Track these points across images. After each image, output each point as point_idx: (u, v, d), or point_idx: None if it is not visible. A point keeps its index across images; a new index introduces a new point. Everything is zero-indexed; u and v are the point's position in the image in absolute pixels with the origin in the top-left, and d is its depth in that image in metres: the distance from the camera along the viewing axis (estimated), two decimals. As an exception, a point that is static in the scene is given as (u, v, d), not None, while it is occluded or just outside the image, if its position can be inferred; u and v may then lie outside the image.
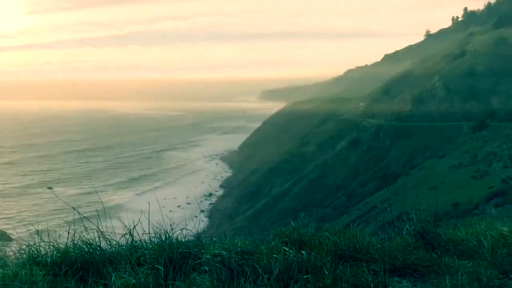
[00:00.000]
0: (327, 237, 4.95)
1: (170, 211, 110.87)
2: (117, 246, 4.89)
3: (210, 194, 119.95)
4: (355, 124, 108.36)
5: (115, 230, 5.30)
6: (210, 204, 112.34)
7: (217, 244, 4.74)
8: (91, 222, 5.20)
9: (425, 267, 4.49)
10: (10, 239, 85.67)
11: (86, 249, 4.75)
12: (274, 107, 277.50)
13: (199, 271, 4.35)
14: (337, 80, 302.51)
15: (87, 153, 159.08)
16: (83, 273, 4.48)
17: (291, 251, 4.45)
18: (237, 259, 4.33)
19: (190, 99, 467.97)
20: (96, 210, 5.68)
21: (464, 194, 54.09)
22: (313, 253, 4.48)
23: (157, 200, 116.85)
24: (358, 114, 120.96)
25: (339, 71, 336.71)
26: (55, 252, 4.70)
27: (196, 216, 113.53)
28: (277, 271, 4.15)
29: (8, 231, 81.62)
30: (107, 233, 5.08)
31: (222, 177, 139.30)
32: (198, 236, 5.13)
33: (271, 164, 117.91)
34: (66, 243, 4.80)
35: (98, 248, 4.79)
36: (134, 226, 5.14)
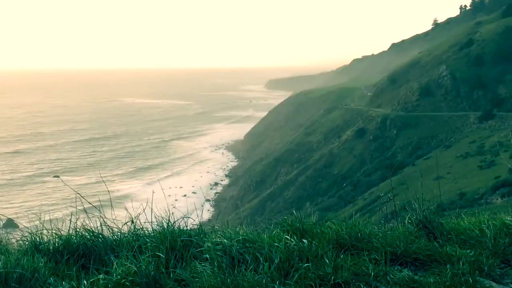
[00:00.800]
0: (329, 226, 4.95)
1: (176, 200, 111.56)
2: (119, 234, 4.90)
3: (216, 183, 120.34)
4: (361, 114, 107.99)
5: (119, 219, 5.32)
6: (216, 193, 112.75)
7: (219, 233, 4.77)
8: (96, 208, 5.21)
9: (427, 256, 4.48)
10: (17, 226, 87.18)
11: (88, 236, 4.76)
12: (280, 96, 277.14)
13: (200, 259, 4.37)
14: (343, 69, 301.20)
15: (93, 142, 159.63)
16: (85, 261, 4.50)
17: (292, 239, 4.45)
18: (238, 247, 4.35)
19: (196, 88, 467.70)
20: (99, 199, 5.70)
21: (470, 184, 53.95)
22: (314, 242, 4.49)
23: (162, 189, 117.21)
24: (364, 104, 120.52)
25: (346, 60, 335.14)
26: (57, 240, 4.72)
27: (202, 206, 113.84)
28: (278, 259, 4.16)
29: (15, 219, 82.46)
30: (110, 221, 5.08)
31: (227, 166, 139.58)
32: (200, 224, 5.11)
33: (276, 153, 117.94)
34: (69, 231, 4.81)
35: (100, 236, 4.80)
36: (138, 215, 5.16)
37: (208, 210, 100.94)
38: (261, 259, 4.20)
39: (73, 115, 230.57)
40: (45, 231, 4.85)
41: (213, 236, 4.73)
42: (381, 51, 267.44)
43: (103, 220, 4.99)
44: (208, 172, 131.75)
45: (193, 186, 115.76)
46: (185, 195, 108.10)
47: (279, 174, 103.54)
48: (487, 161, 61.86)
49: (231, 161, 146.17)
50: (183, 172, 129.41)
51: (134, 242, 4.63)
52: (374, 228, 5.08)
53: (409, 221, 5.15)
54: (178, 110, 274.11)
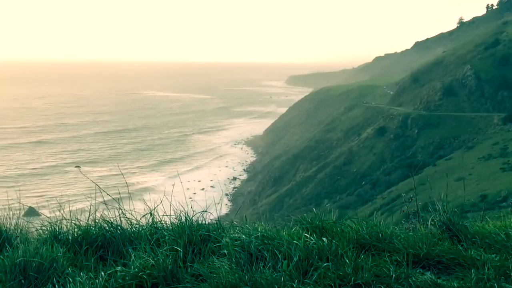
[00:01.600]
0: (349, 225, 4.84)
1: (194, 193, 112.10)
2: (137, 226, 4.87)
3: (234, 178, 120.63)
4: (382, 112, 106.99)
5: (138, 211, 5.31)
6: (234, 188, 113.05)
7: (237, 228, 4.71)
8: (115, 200, 5.17)
9: (450, 259, 4.33)
10: (38, 215, 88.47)
11: (107, 227, 4.74)
12: (300, 92, 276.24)
13: (218, 255, 4.31)
14: (365, 67, 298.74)
15: (114, 134, 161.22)
16: (103, 252, 4.49)
17: (311, 237, 4.37)
18: (256, 243, 4.27)
19: (216, 82, 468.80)
20: (118, 191, 5.69)
21: (492, 186, 53.09)
22: (334, 241, 4.38)
23: (181, 182, 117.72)
24: (385, 102, 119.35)
25: (368, 57, 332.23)
26: (76, 230, 4.71)
27: (220, 200, 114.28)
28: (297, 257, 4.07)
29: (36, 208, 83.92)
30: (129, 213, 5.05)
31: (246, 161, 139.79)
32: (218, 219, 5.05)
33: (296, 150, 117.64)
34: (88, 222, 4.79)
35: (119, 228, 4.79)
36: (155, 207, 5.10)
37: (226, 204, 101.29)
38: (279, 256, 4.11)
39: (95, 106, 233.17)
40: (64, 221, 4.84)
41: (232, 232, 4.67)
42: (404, 49, 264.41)
43: (122, 212, 4.96)
44: (226, 166, 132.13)
45: (211, 180, 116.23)
46: (203, 189, 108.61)
47: (297, 171, 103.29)
48: (510, 164, 60.77)
49: (250, 156, 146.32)
50: (202, 166, 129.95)
51: (152, 235, 4.59)
52: (396, 228, 4.92)
53: (432, 222, 5.01)
54: (198, 104, 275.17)
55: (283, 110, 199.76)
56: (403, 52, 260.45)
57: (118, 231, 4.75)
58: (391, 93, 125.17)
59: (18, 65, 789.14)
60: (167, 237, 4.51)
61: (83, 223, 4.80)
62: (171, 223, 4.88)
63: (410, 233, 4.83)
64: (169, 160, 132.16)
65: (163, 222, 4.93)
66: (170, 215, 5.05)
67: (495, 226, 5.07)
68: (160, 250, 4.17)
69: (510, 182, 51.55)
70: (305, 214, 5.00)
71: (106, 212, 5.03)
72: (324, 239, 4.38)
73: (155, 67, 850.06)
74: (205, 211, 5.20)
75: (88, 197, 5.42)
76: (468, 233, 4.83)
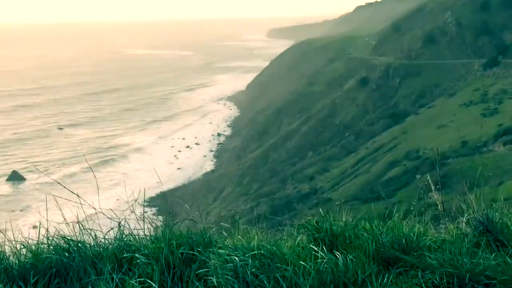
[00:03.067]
0: (364, 228, 3.97)
1: (179, 151, 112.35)
2: (103, 241, 3.90)
3: (219, 134, 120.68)
4: (364, 63, 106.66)
5: (110, 202, 4.72)
6: (219, 144, 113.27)
7: (227, 241, 3.82)
8: (78, 197, 4.21)
9: (502, 282, 3.29)
10: (24, 179, 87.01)
11: (64, 245, 3.78)
12: (281, 46, 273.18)
13: (204, 279, 3.47)
14: (346, 17, 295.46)
15: (95, 96, 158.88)
16: (59, 282, 3.58)
17: (321, 252, 3.52)
18: (253, 267, 3.39)
19: (195, 39, 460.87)
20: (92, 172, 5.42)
21: (473, 132, 53.94)
22: (350, 256, 3.48)
23: (162, 141, 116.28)
24: (367, 53, 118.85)
25: (349, 8, 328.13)
26: (23, 255, 3.72)
27: (204, 156, 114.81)
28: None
29: (21, 172, 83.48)
30: (98, 211, 4.22)
31: (230, 117, 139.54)
32: (203, 231, 4.00)
33: (279, 103, 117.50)
34: (38, 241, 3.81)
35: (80, 246, 3.81)
36: (124, 219, 4.04)
37: (212, 160, 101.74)
38: (284, 285, 3.27)
39: (74, 67, 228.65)
40: (8, 245, 3.78)
41: (221, 244, 3.78)
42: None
43: (84, 222, 3.98)
44: (210, 123, 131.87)
45: (195, 138, 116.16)
46: (188, 146, 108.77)
47: (281, 125, 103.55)
48: (491, 109, 61.59)
49: (234, 112, 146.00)
50: (186, 124, 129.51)
51: (122, 252, 3.74)
52: (422, 232, 3.89)
53: (465, 221, 4.03)
54: (179, 61, 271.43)
55: (265, 64, 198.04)
56: (384, 0, 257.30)
57: (79, 250, 3.76)
58: (373, 43, 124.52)
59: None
60: (139, 260, 3.60)
61: (32, 242, 3.79)
62: (145, 236, 3.94)
63: (441, 236, 3.92)
64: (152, 120, 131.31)
65: (134, 235, 3.97)
66: (143, 228, 4.05)
67: None
68: (131, 280, 3.36)
69: (491, 127, 52.42)
70: (310, 217, 4.11)
71: (68, 213, 4.12)
72: (338, 254, 3.50)
73: (134, 27, 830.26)
74: (188, 218, 4.41)
75: (48, 194, 4.39)
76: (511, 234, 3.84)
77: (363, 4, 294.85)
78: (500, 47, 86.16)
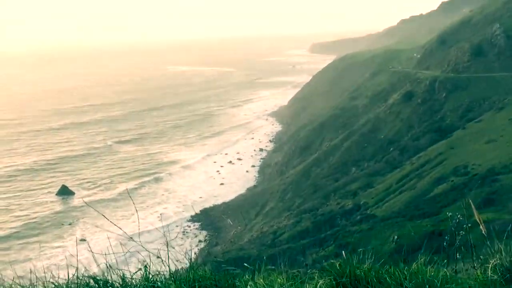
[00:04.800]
0: (388, 271, 3.86)
1: (222, 166, 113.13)
2: (130, 282, 3.87)
3: (261, 150, 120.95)
4: (409, 76, 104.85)
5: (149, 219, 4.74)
6: (261, 159, 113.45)
7: (250, 284, 3.76)
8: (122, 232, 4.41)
9: None
10: (73, 193, 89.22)
11: (93, 285, 3.75)
12: (323, 60, 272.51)
13: None
14: (390, 31, 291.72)
15: (143, 113, 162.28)
16: None
17: None
18: None
19: (239, 55, 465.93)
20: (131, 199, 5.52)
21: (524, 147, 51.90)
22: None
23: (203, 160, 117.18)
24: (412, 66, 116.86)
25: (393, 22, 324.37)
26: None
27: (247, 171, 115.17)
28: None
29: (70, 187, 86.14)
30: (130, 238, 4.25)
31: (272, 132, 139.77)
32: (226, 273, 3.94)
33: (321, 118, 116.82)
34: (68, 280, 3.80)
35: (108, 285, 3.80)
36: (149, 264, 4.00)
37: (254, 176, 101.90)
38: None
39: (121, 85, 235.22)
40: (40, 284, 3.83)
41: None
42: (430, 10, 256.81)
43: (114, 260, 3.97)
44: (253, 138, 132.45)
45: (238, 153, 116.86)
46: (230, 162, 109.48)
47: (324, 140, 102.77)
48: (543, 123, 59.16)
49: (276, 127, 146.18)
50: (228, 139, 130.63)
51: None
52: (447, 275, 3.74)
53: (491, 266, 3.86)
54: (222, 77, 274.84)
55: (307, 79, 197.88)
56: (429, 13, 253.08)
57: None
58: (418, 56, 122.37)
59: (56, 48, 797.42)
60: None
61: (63, 282, 3.82)
62: (170, 275, 3.90)
63: (468, 282, 3.74)
64: (195, 136, 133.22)
65: (161, 273, 3.95)
66: (168, 267, 4.00)
67: None
68: None
69: (544, 143, 50.28)
70: (333, 261, 4.02)
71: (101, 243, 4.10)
72: None
73: (179, 45, 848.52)
74: (215, 260, 4.20)
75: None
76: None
77: (407, 17, 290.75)
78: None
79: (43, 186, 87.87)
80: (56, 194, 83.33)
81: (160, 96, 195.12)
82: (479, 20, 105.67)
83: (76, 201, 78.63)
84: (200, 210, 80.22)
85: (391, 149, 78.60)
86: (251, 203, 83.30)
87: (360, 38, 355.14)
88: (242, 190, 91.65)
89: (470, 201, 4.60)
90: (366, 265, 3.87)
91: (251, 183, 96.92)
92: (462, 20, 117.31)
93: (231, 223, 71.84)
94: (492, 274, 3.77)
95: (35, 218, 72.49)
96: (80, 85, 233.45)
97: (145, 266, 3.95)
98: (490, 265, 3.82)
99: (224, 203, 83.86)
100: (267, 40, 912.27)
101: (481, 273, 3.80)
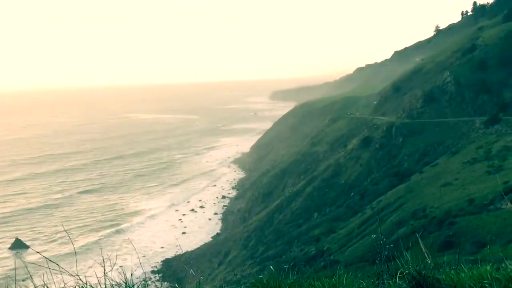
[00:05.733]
0: (311, 284, 4.35)
1: (184, 214, 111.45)
2: None
3: (224, 197, 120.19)
4: (366, 122, 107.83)
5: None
6: (224, 206, 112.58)
7: None
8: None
9: None
10: (27, 247, 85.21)
11: None
12: (284, 107, 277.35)
13: None
14: (347, 78, 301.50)
15: (105, 163, 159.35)
16: None
17: None
18: None
19: (200, 102, 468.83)
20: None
21: (479, 190, 53.52)
22: None
23: (172, 208, 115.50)
24: (368, 112, 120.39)
25: (349, 70, 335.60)
26: None
27: (209, 219, 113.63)
28: None
29: (24, 240, 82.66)
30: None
31: (235, 179, 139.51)
32: None
33: (283, 165, 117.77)
34: None
35: None
36: None
37: (216, 223, 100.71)
38: None
39: (82, 133, 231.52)
40: None
41: None
42: (384, 59, 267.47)
43: None
44: (215, 185, 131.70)
45: (200, 200, 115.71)
46: (192, 210, 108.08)
47: (286, 186, 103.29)
48: (495, 166, 61.44)
49: (238, 174, 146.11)
50: (191, 187, 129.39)
51: None
52: (363, 284, 4.39)
53: (400, 275, 4.48)
54: (184, 125, 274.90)
55: (268, 125, 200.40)
56: (383, 62, 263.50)
57: None
58: (374, 103, 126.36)
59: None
60: None
61: None
62: None
63: None
64: (156, 185, 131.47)
65: None
66: None
67: (470, 276, 4.48)
68: None
69: (496, 185, 52.07)
70: (261, 276, 4.48)
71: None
72: None
73: (137, 91, 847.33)
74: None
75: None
76: (441, 288, 4.28)
77: (363, 65, 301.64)
78: (500, 104, 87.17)
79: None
80: (9, 248, 79.81)
81: (121, 145, 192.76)
82: (430, 69, 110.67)
83: (31, 256, 75.44)
84: (161, 261, 78.25)
85: (352, 194, 79.66)
86: (214, 252, 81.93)
87: (318, 86, 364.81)
88: (204, 239, 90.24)
89: (418, 236, 5.65)
90: (290, 279, 4.33)
91: (214, 231, 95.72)
92: (415, 68, 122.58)
93: (193, 274, 70.29)
94: (399, 282, 4.34)
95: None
96: (37, 134, 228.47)
97: None
98: (398, 274, 4.42)
99: (186, 252, 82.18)
100: (226, 85, 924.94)
101: (393, 282, 4.38)
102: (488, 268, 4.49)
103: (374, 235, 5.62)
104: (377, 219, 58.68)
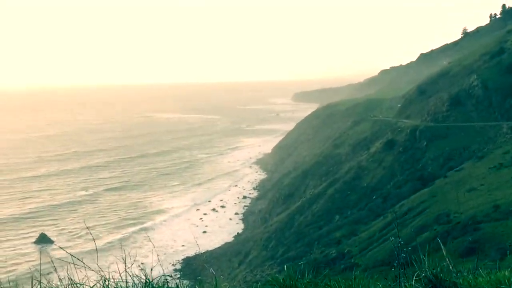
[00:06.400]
0: (327, 284, 4.43)
1: (205, 214, 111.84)
2: None
3: (245, 197, 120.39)
4: (390, 125, 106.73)
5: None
6: (245, 206, 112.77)
7: None
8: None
9: None
10: (52, 242, 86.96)
11: None
12: (307, 109, 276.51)
13: None
14: (371, 80, 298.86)
15: (128, 161, 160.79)
16: None
17: None
18: None
19: (223, 102, 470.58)
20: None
21: (504, 196, 52.50)
22: None
23: (186, 205, 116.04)
24: (392, 115, 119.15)
25: (374, 72, 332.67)
26: None
27: (230, 219, 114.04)
28: None
29: (48, 235, 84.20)
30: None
31: (256, 179, 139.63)
32: None
33: (305, 166, 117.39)
34: None
35: None
36: None
37: (237, 223, 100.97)
38: None
39: (106, 132, 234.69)
40: None
41: None
42: (409, 61, 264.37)
43: None
44: (236, 185, 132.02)
45: (221, 200, 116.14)
46: (214, 209, 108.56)
47: (307, 187, 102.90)
48: (522, 172, 60.19)
49: (260, 175, 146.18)
50: (213, 187, 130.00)
51: None
52: (379, 285, 4.42)
53: (416, 278, 4.48)
54: (207, 124, 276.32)
55: (291, 126, 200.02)
56: (408, 64, 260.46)
57: None
58: (398, 105, 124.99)
59: (24, 93, 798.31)
60: None
61: None
62: None
63: None
64: (179, 184, 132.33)
65: None
66: None
67: (488, 281, 4.48)
68: None
69: (523, 191, 51.00)
70: (277, 275, 4.52)
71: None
72: None
73: (161, 90, 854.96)
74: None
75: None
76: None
77: (387, 68, 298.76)
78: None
79: (23, 235, 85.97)
80: (34, 243, 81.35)
81: (143, 144, 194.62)
82: (457, 72, 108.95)
83: (55, 249, 76.79)
84: (182, 259, 78.76)
85: (374, 197, 78.92)
86: (234, 252, 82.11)
87: (342, 88, 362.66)
88: (225, 238, 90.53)
89: (439, 240, 5.71)
90: (306, 279, 4.41)
91: (235, 231, 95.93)
92: (441, 71, 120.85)
93: (213, 273, 70.41)
94: (416, 284, 4.35)
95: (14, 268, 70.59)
96: (61, 131, 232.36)
97: None
98: (414, 277, 4.44)
99: (206, 252, 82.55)
100: (249, 85, 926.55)
101: (409, 285, 4.39)
102: (506, 273, 4.49)
103: (393, 238, 5.77)
104: (395, 223, 58.02)
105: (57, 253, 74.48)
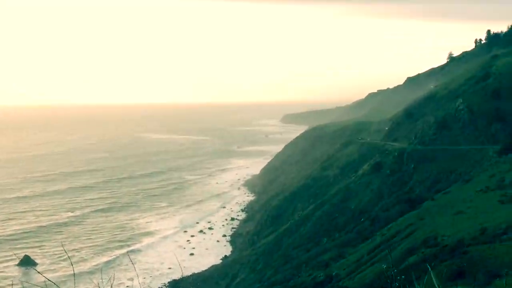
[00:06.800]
0: None
1: (192, 236, 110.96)
2: None
3: (233, 219, 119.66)
4: (378, 148, 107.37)
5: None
6: (232, 228, 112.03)
7: None
8: None
9: None
10: (35, 264, 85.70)
11: None
12: (295, 130, 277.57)
13: None
14: (359, 103, 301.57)
15: (116, 182, 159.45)
16: None
17: None
18: None
19: (213, 123, 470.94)
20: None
21: (491, 219, 52.72)
22: None
23: (181, 229, 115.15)
24: (380, 138, 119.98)
25: (361, 95, 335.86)
26: None
27: (217, 241, 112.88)
28: None
29: (35, 259, 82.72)
30: None
31: (244, 201, 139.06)
32: None
33: (293, 188, 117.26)
34: None
35: None
36: None
37: (225, 245, 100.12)
38: None
39: (94, 152, 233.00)
40: None
41: None
42: (396, 85, 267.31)
43: None
44: (224, 207, 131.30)
45: (209, 222, 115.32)
46: (201, 231, 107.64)
47: (295, 209, 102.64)
48: (508, 196, 60.58)
49: (248, 196, 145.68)
50: (200, 209, 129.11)
51: None
52: None
53: None
54: (195, 146, 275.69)
55: (280, 148, 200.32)
56: (395, 87, 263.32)
57: None
58: (386, 128, 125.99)
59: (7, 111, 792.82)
60: None
61: None
62: None
63: None
64: (166, 205, 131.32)
65: None
66: None
67: None
68: None
69: (509, 214, 51.28)
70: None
71: None
72: None
73: (148, 110, 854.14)
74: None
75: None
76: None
77: (375, 91, 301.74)
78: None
79: (6, 257, 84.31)
80: (18, 265, 79.81)
81: (131, 165, 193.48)
82: (443, 95, 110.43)
83: (38, 274, 75.42)
84: (168, 282, 77.72)
85: (362, 219, 78.85)
86: (221, 274, 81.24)
87: (330, 110, 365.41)
88: (212, 261, 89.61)
89: (428, 266, 5.69)
90: None
91: (222, 253, 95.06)
92: (427, 94, 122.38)
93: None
94: None
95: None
96: (51, 151, 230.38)
97: None
98: None
99: (193, 274, 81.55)
100: (237, 107, 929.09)
101: None
102: None
103: (385, 265, 5.62)
104: (388, 249, 57.88)
105: (40, 277, 73.08)
